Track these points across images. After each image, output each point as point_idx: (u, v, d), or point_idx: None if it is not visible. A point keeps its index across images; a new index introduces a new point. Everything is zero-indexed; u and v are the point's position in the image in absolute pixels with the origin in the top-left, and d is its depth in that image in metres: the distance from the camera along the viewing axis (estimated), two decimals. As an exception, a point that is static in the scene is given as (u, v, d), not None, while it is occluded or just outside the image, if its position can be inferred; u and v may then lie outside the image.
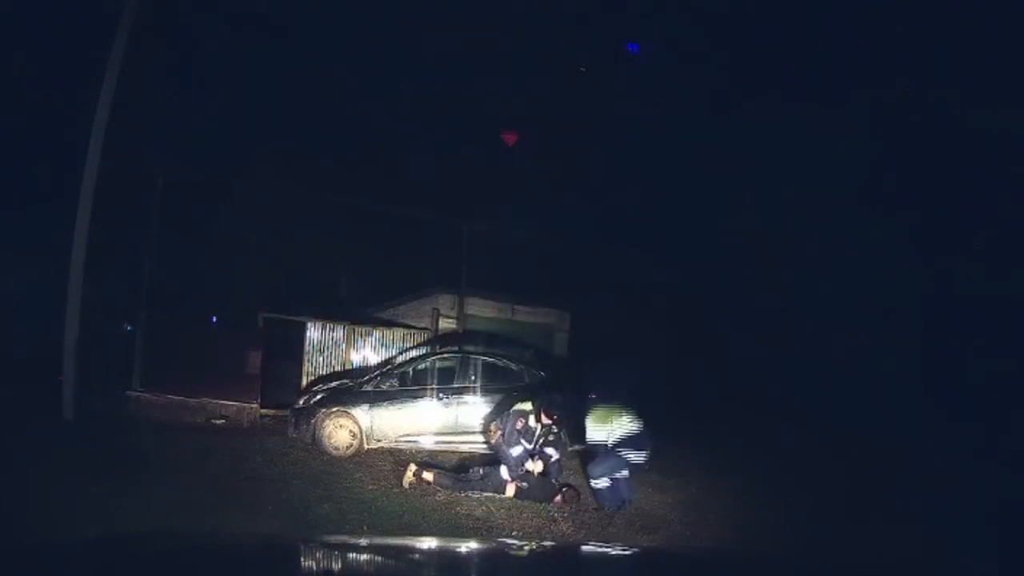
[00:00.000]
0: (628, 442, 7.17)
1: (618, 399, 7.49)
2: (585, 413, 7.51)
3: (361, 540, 2.97)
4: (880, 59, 13.14)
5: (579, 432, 7.93)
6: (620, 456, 7.15)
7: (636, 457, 7.16)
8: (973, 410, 10.49)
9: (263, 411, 10.71)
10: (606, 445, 7.24)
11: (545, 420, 7.63)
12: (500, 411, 8.45)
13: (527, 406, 7.73)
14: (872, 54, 13.16)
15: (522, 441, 7.55)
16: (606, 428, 7.24)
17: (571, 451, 8.48)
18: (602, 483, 7.14)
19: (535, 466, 7.49)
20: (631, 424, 7.24)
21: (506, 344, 11.22)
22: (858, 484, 8.17)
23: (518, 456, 7.46)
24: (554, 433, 7.73)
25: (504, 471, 7.47)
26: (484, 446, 8.82)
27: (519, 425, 7.60)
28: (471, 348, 10.41)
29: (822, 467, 8.92)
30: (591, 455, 7.42)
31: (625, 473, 7.18)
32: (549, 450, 7.69)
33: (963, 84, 12.31)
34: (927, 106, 12.78)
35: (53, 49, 12.21)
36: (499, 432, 7.74)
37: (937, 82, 12.61)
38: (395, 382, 9.62)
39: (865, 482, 8.26)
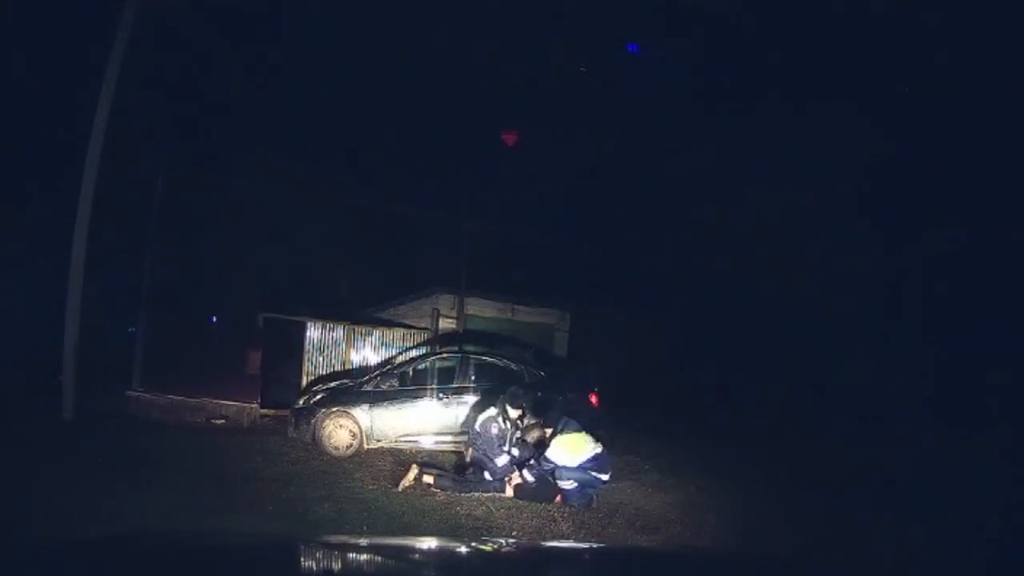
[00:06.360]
0: (594, 461, 7.30)
1: (584, 427, 7.58)
2: (554, 434, 7.55)
3: (361, 540, 2.97)
4: (880, 59, 13.14)
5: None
6: (588, 473, 7.25)
7: (602, 475, 7.31)
8: (973, 411, 10.50)
9: (263, 411, 10.72)
10: (572, 468, 7.30)
11: (513, 414, 7.74)
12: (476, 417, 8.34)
13: (492, 411, 7.83)
14: (871, 54, 13.16)
15: (506, 449, 7.60)
16: (572, 455, 7.30)
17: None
18: (569, 484, 7.20)
19: (527, 475, 7.49)
20: (596, 448, 7.38)
21: (506, 344, 11.22)
22: (858, 484, 8.18)
23: (503, 467, 7.48)
24: (521, 427, 7.82)
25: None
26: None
27: (495, 430, 7.65)
28: (471, 348, 10.42)
29: (822, 467, 8.92)
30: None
31: (593, 489, 7.28)
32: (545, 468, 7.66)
33: (962, 84, 12.31)
34: (927, 106, 12.78)
35: (53, 49, 12.20)
36: (471, 449, 7.80)
37: (937, 82, 12.62)
38: (395, 382, 9.62)
39: (865, 482, 8.27)
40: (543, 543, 5.08)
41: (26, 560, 1.77)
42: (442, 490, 7.27)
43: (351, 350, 11.75)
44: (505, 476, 7.45)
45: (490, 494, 7.28)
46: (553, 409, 8.04)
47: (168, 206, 11.45)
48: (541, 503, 7.13)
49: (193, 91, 13.38)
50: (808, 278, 13.42)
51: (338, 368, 11.55)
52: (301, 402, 9.70)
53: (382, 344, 11.98)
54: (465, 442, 8.37)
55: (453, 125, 15.56)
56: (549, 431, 7.64)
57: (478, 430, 7.79)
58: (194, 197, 12.66)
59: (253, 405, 10.62)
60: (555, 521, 6.60)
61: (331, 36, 14.08)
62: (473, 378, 9.56)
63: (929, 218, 12.80)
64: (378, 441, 9.14)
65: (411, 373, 9.81)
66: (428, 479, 7.36)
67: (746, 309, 13.89)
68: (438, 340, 12.00)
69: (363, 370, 11.00)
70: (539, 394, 8.54)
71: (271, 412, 10.73)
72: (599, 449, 7.39)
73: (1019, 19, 11.19)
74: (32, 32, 12.00)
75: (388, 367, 10.33)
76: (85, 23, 11.03)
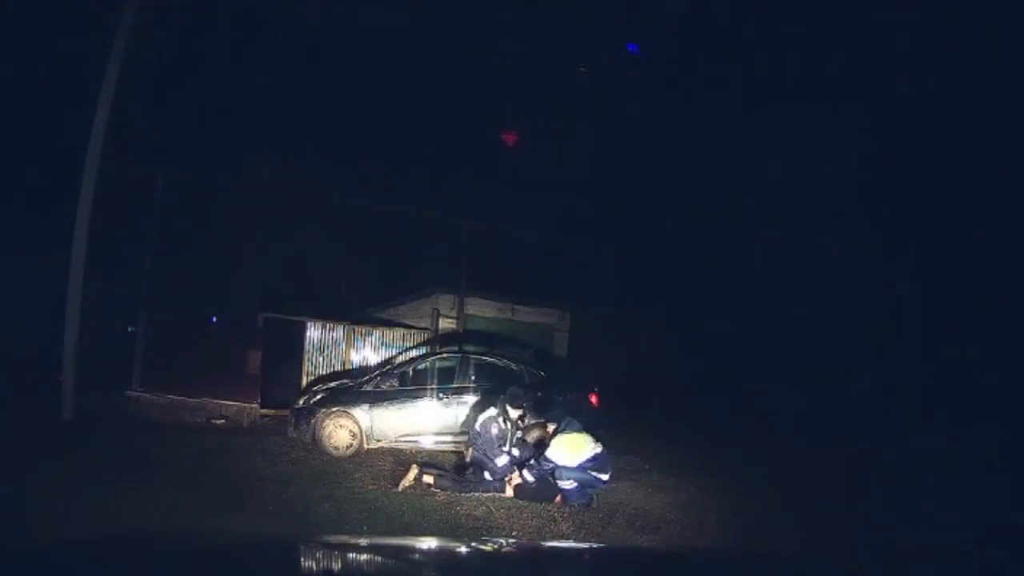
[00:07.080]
0: (595, 460, 7.30)
1: (584, 427, 7.59)
2: (555, 433, 7.56)
3: (361, 540, 2.97)
4: (878, 60, 13.15)
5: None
6: (588, 473, 7.26)
7: (602, 475, 7.31)
8: (974, 411, 10.51)
9: (263, 411, 10.72)
10: (571, 467, 7.30)
11: (513, 414, 7.75)
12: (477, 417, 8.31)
13: (492, 411, 7.83)
14: (870, 56, 13.17)
15: (506, 449, 7.60)
16: (572, 455, 7.30)
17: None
18: (569, 484, 7.20)
19: (527, 475, 7.48)
20: (596, 448, 7.37)
21: (506, 344, 11.22)
22: (856, 485, 8.18)
23: (503, 467, 7.49)
24: (521, 427, 7.83)
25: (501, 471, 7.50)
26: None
27: (495, 431, 7.65)
28: (471, 348, 10.42)
29: (821, 469, 8.92)
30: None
31: (593, 489, 7.28)
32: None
33: (960, 85, 12.31)
34: (925, 108, 12.79)
35: (53, 49, 12.20)
36: (471, 449, 7.79)
37: (934, 83, 12.62)
38: (395, 382, 9.62)
39: (865, 483, 8.27)
40: (543, 543, 5.08)
41: (26, 560, 1.77)
42: (442, 490, 7.27)
43: (351, 350, 11.75)
44: (505, 476, 7.44)
45: (490, 494, 7.27)
46: (554, 408, 8.05)
47: (168, 206, 11.44)
48: (541, 503, 7.12)
49: (193, 90, 13.37)
50: (808, 278, 13.42)
51: (338, 368, 11.56)
52: (301, 402, 9.70)
53: (382, 344, 11.98)
54: (465, 442, 8.37)
55: (453, 124, 15.57)
56: (552, 427, 7.65)
57: (478, 430, 7.79)
58: (194, 197, 12.66)
59: (253, 405, 10.62)
60: (555, 521, 6.59)
61: (332, 35, 14.09)
62: (473, 378, 9.55)
63: (929, 218, 12.81)
64: (378, 441, 9.14)
65: (411, 373, 9.80)
66: (428, 479, 7.36)
67: (746, 309, 13.89)
68: (438, 340, 12.00)
69: (363, 370, 10.99)
70: (539, 394, 8.55)
71: (271, 412, 10.73)
72: (599, 449, 7.40)
73: (1019, 18, 11.20)
74: (32, 32, 12.01)
75: (388, 367, 10.33)
76: (85, 23, 11.03)
